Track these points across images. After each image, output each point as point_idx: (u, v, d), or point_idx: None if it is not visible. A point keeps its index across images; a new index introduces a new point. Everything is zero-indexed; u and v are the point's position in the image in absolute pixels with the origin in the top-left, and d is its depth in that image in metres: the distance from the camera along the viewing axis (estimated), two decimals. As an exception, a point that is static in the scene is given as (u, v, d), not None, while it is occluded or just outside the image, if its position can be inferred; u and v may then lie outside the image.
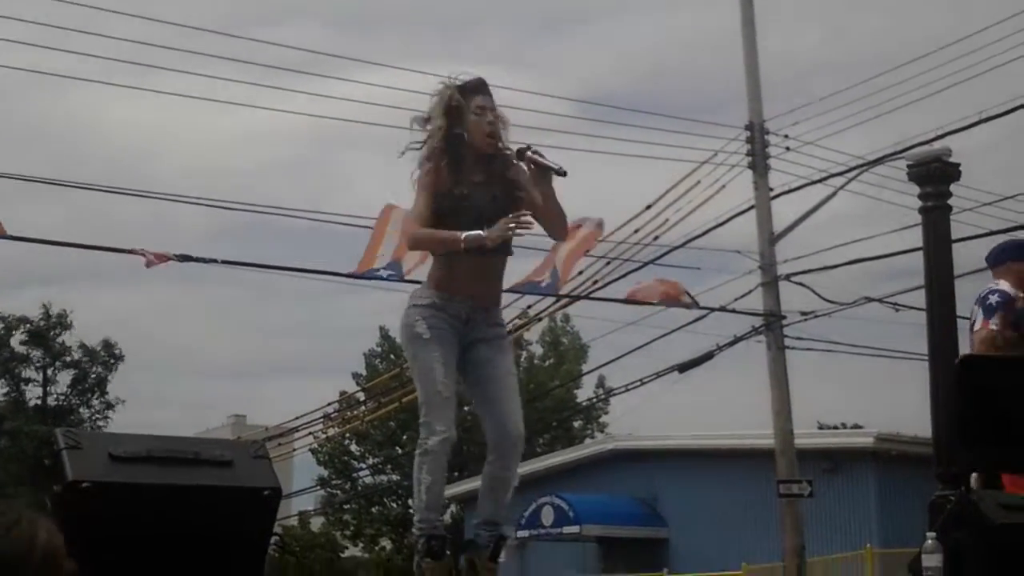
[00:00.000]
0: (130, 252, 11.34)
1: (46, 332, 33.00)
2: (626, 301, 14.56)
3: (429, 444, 4.48)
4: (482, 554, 4.65)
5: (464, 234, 4.44)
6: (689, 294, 14.60)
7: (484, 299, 4.66)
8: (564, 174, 4.61)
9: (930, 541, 4.77)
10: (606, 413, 34.24)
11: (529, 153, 4.62)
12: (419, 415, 4.55)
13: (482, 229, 4.49)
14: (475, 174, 4.64)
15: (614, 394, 21.30)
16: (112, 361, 33.64)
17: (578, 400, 32.52)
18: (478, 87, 4.69)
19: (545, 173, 4.62)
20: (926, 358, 9.29)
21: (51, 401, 33.36)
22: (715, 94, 51.48)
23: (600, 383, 30.83)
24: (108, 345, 33.59)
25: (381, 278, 12.11)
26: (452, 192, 4.58)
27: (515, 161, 4.69)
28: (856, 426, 28.22)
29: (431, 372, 4.51)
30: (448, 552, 4.59)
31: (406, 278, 11.87)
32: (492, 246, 4.47)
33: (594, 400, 31.79)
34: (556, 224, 4.73)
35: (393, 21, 62.35)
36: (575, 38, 59.04)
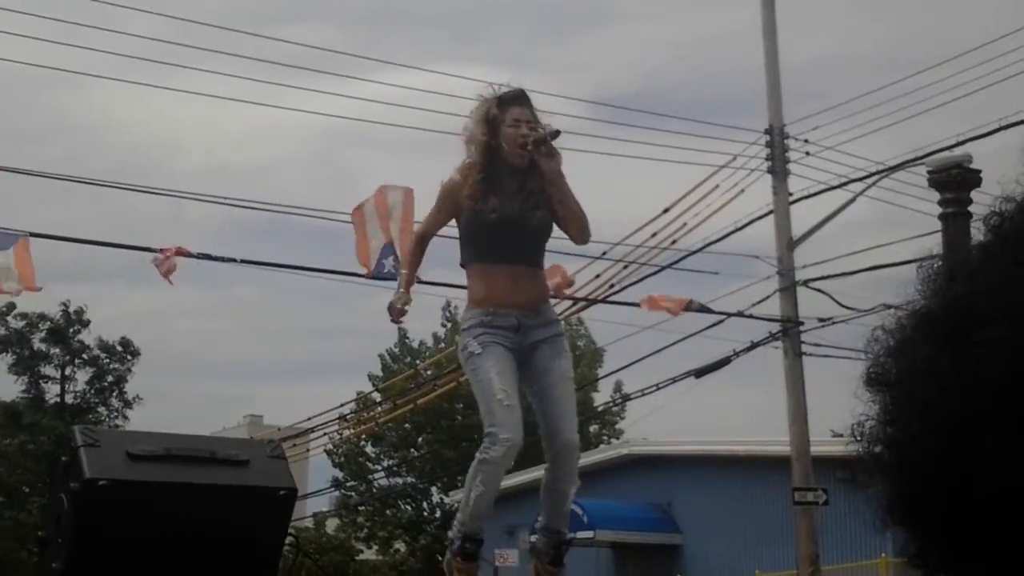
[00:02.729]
0: (151, 251, 11.38)
1: (65, 329, 33.17)
2: (642, 305, 14.53)
3: (490, 454, 4.44)
4: (543, 559, 4.68)
5: (398, 295, 4.83)
6: (701, 305, 14.50)
7: (529, 302, 4.64)
8: (558, 133, 4.60)
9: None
10: (622, 419, 34.19)
11: (530, 143, 4.60)
12: (484, 427, 4.52)
13: (515, 242, 4.59)
14: (509, 186, 4.64)
15: (630, 399, 21.24)
16: (129, 358, 33.80)
17: (595, 405, 32.48)
18: (516, 98, 4.67)
19: (545, 149, 4.59)
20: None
21: (69, 399, 33.52)
22: (734, 98, 51.39)
23: (617, 388, 30.80)
24: (126, 342, 33.76)
25: (394, 278, 12.11)
26: (480, 212, 4.59)
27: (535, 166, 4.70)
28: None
29: (488, 382, 4.48)
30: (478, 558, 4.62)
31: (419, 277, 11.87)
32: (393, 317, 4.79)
33: (610, 405, 31.74)
34: (576, 224, 4.69)
35: (404, 23, 62.42)
36: (590, 40, 59.04)
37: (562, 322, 4.99)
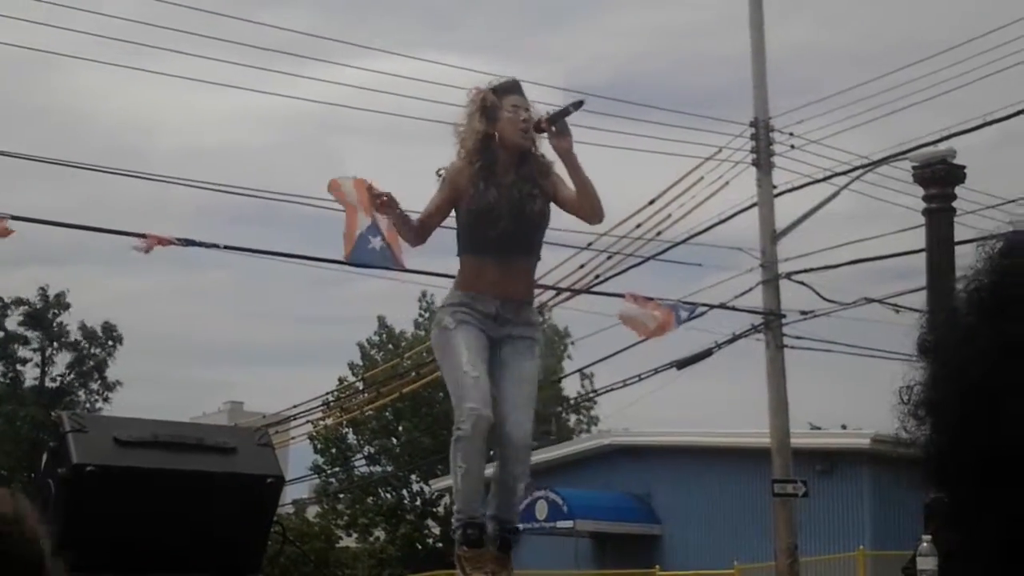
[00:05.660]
0: (134, 235, 11.34)
1: (43, 313, 32.97)
2: (626, 296, 14.53)
3: (461, 430, 4.46)
4: (491, 545, 4.68)
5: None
6: (680, 311, 14.46)
7: (513, 295, 4.68)
8: (582, 103, 4.65)
9: (925, 544, 4.79)
10: (595, 404, 34.25)
11: (544, 121, 4.63)
12: (452, 403, 4.55)
13: (511, 230, 4.58)
14: (506, 175, 4.67)
15: (611, 390, 21.24)
16: (112, 344, 33.63)
17: (565, 394, 32.56)
18: (511, 87, 4.74)
19: (558, 127, 4.61)
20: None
21: (48, 383, 33.33)
22: (720, 89, 51.47)
23: (586, 376, 30.81)
24: (108, 327, 33.59)
25: (377, 266, 11.76)
26: (478, 199, 4.61)
27: (542, 156, 4.73)
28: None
29: (457, 356, 4.51)
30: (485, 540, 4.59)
31: (402, 265, 11.75)
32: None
33: (586, 395, 31.79)
34: (589, 202, 4.69)
35: (378, 10, 62.15)
36: (573, 28, 59.00)
37: (540, 329, 4.96)
